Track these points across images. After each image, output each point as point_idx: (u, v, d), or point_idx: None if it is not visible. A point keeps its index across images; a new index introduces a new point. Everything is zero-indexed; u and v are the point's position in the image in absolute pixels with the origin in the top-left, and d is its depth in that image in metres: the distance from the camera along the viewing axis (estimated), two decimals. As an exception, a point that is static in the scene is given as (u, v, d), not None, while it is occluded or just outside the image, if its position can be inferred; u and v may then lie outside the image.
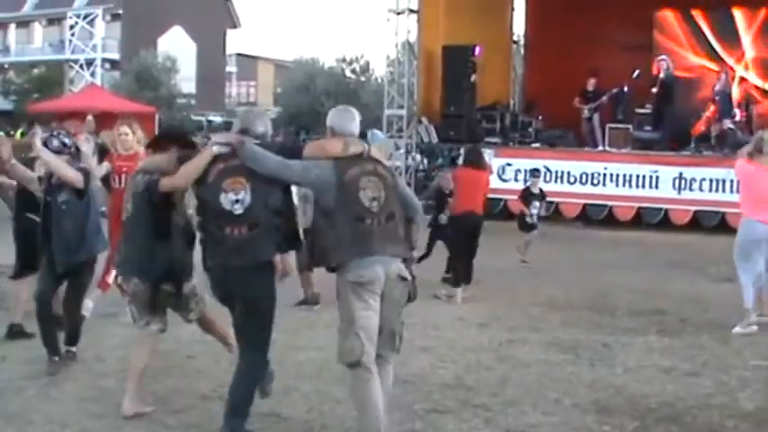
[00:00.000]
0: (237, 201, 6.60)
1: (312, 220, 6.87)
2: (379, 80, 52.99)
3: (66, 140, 8.80)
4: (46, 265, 8.84)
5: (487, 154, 21.72)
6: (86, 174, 8.79)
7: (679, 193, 22.45)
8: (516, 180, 23.21)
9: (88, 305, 10.18)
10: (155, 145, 7.88)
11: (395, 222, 6.72)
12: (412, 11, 27.38)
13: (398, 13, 27.53)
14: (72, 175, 8.61)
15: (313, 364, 9.09)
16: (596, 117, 25.53)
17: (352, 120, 7.02)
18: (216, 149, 6.78)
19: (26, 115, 39.75)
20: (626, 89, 25.01)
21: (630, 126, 24.76)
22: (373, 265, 6.51)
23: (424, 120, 27.20)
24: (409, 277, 6.74)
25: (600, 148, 24.59)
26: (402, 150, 27.32)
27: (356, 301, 6.52)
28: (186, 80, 67.08)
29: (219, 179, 6.67)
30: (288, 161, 6.68)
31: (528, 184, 15.22)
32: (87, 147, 10.24)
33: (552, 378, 9.03)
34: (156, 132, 8.45)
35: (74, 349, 9.08)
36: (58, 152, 8.59)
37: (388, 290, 6.61)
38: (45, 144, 8.56)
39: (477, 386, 8.69)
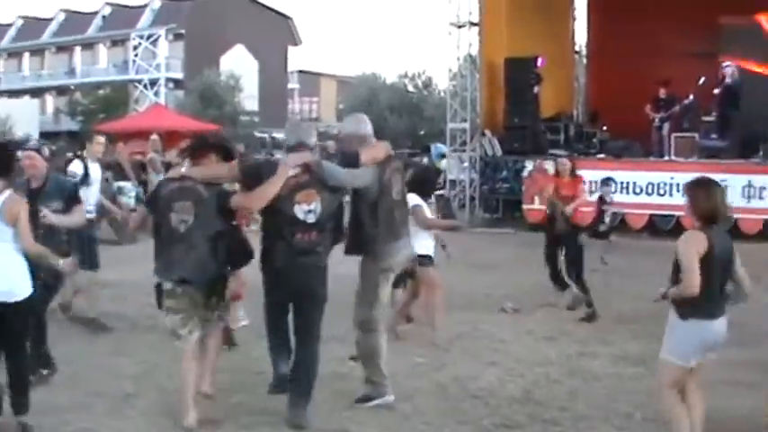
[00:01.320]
0: (310, 211, 7.59)
1: (354, 215, 8.12)
2: (442, 94, 52.91)
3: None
4: None
5: (551, 166, 21.64)
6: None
7: (749, 201, 22.11)
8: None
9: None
10: (193, 154, 8.06)
11: (405, 210, 8.55)
12: (473, 24, 27.30)
13: (460, 27, 27.45)
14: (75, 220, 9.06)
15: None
16: (666, 126, 25.23)
17: (368, 126, 8.48)
18: (291, 172, 7.56)
19: (92, 135, 40.18)
20: (691, 97, 24.70)
21: (696, 134, 24.41)
22: (400, 251, 8.27)
23: (488, 132, 27.01)
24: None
25: (666, 157, 24.29)
26: (466, 163, 27.22)
27: (384, 282, 8.20)
28: (249, 98, 67.60)
29: (293, 192, 7.56)
30: (352, 171, 7.85)
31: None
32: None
33: (622, 392, 8.95)
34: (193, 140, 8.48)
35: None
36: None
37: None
38: (38, 150, 8.87)
39: (546, 400, 8.63)
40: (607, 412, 8.24)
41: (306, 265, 7.67)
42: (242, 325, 10.36)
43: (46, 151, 8.24)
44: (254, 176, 7.70)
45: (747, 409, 8.37)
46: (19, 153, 8.74)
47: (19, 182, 8.69)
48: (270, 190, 7.50)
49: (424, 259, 10.57)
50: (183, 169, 7.99)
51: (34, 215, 8.00)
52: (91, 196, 11.62)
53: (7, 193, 7.13)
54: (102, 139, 12.61)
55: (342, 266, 8.50)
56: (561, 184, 13.56)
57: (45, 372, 8.98)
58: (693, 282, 6.59)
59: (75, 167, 11.80)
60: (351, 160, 7.96)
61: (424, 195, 10.90)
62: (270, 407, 8.03)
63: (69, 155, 14.49)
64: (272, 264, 7.68)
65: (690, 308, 6.74)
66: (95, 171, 12.01)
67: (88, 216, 10.64)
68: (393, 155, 8.36)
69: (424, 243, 10.52)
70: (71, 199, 9.10)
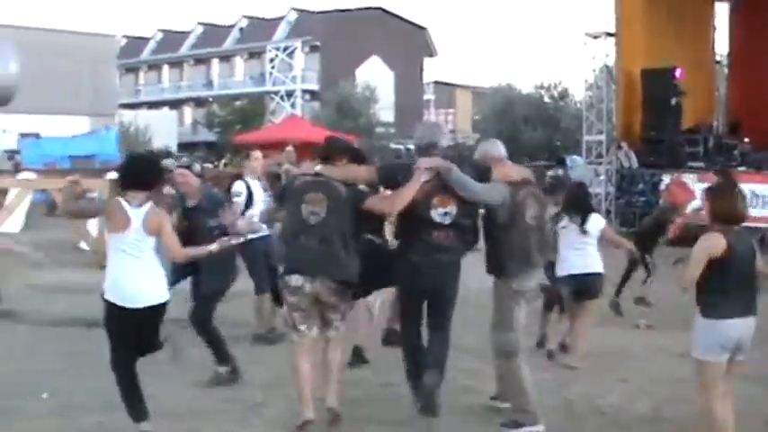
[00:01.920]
0: (446, 213, 7.75)
1: (487, 235, 8.12)
2: (578, 105, 52.42)
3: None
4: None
5: (690, 179, 21.22)
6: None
7: None
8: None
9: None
10: (326, 157, 8.11)
11: (542, 236, 8.29)
12: (609, 34, 26.99)
13: (595, 37, 27.20)
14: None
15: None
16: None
17: (502, 149, 8.47)
18: (425, 177, 7.67)
19: (229, 146, 40.95)
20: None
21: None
22: (532, 277, 8.20)
23: (624, 145, 26.66)
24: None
25: (813, 170, 23.52)
26: (602, 176, 26.91)
27: (515, 306, 8.07)
28: (385, 109, 67.93)
29: (429, 197, 7.72)
30: (486, 186, 7.90)
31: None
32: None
33: (755, 412, 8.68)
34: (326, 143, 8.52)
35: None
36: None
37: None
38: (189, 167, 8.92)
39: (676, 419, 8.46)
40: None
41: (441, 262, 7.83)
42: None
43: (197, 167, 8.44)
44: (390, 180, 7.88)
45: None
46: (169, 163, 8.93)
47: (175, 197, 9.49)
48: (406, 194, 7.62)
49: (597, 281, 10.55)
50: (318, 167, 8.04)
51: (194, 233, 8.67)
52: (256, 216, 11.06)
53: (148, 205, 7.34)
54: (258, 154, 12.15)
55: (472, 280, 8.51)
56: None
57: (223, 370, 9.36)
58: (687, 277, 6.90)
59: (239, 187, 11.41)
60: (482, 172, 8.01)
61: (584, 213, 10.66)
62: (399, 419, 8.06)
63: (229, 170, 14.52)
64: (409, 260, 7.83)
65: (707, 306, 6.96)
66: (257, 190, 11.53)
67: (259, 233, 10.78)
68: (530, 180, 8.30)
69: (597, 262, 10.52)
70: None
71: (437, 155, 7.88)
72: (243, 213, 9.91)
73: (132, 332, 7.38)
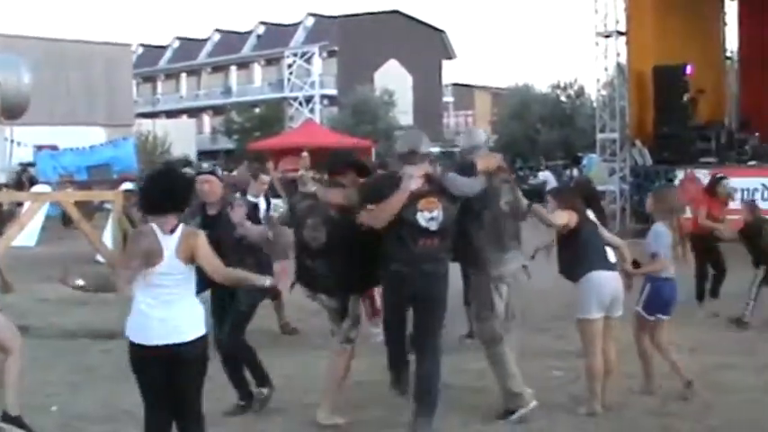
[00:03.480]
0: (432, 218, 7.64)
1: (459, 223, 7.98)
2: (594, 104, 52.48)
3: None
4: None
5: (702, 174, 21.33)
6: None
7: None
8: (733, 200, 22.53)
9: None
10: (332, 170, 8.34)
11: (515, 221, 8.38)
12: (620, 33, 27.04)
13: (607, 36, 27.24)
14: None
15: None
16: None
17: (479, 137, 8.94)
18: (414, 186, 7.66)
19: (247, 153, 41.03)
20: None
21: None
22: (509, 262, 8.23)
23: (638, 142, 26.70)
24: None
25: (822, 163, 23.63)
26: (617, 174, 26.99)
27: (494, 293, 8.18)
28: (403, 113, 67.92)
29: (415, 200, 7.64)
30: (472, 181, 7.95)
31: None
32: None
33: (761, 404, 8.84)
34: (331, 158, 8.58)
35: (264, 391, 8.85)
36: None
37: (515, 278, 8.39)
38: (213, 173, 8.74)
39: (682, 413, 8.57)
40: (745, 427, 8.18)
41: (427, 272, 7.69)
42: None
43: (220, 171, 7.74)
44: (373, 197, 7.77)
45: None
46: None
47: (191, 209, 8.02)
48: (393, 206, 7.59)
49: None
50: (315, 188, 8.25)
51: (216, 245, 6.99)
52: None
53: (180, 229, 6.32)
54: (266, 178, 11.77)
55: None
56: (714, 204, 13.41)
57: (265, 391, 8.77)
58: None
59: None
60: (467, 170, 8.08)
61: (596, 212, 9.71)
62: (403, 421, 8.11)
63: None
64: (393, 270, 7.73)
65: None
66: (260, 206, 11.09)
67: None
68: (504, 167, 8.46)
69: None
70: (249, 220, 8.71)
71: (421, 161, 7.87)
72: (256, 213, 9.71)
73: (161, 380, 6.28)
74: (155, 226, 6.26)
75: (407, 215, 7.60)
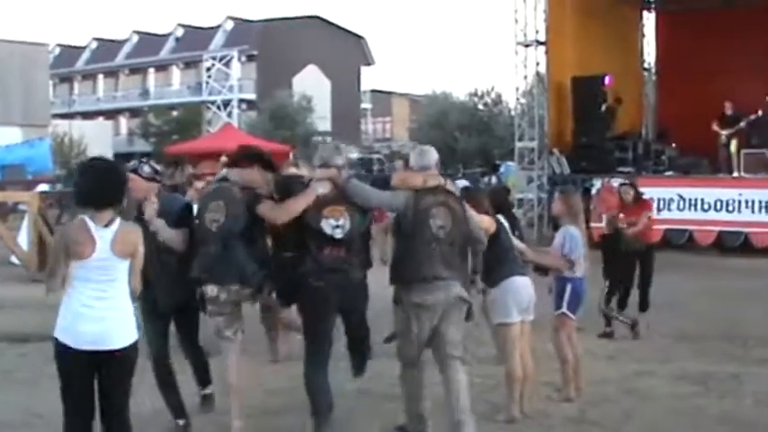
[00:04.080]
0: (338, 226, 7.47)
1: (395, 244, 7.83)
2: (512, 112, 52.84)
3: (157, 167, 8.54)
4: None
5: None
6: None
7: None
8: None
9: None
10: (237, 163, 8.07)
11: (457, 249, 7.67)
12: (540, 42, 27.28)
13: (526, 46, 27.48)
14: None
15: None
16: (734, 143, 24.90)
17: (429, 158, 7.96)
18: (320, 192, 7.53)
19: (164, 157, 40.62)
20: (760, 113, 24.40)
21: (766, 151, 24.07)
22: (436, 290, 7.49)
23: (556, 151, 26.95)
24: (469, 299, 7.75)
25: (735, 174, 24.03)
26: (535, 182, 27.18)
27: (414, 320, 7.53)
28: (322, 118, 67.88)
29: (321, 207, 7.47)
30: (380, 192, 7.72)
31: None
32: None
33: (679, 411, 8.90)
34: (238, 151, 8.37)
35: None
36: (150, 179, 8.11)
37: (448, 309, 7.56)
38: (135, 170, 8.31)
39: (602, 421, 8.60)
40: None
41: (335, 282, 7.48)
42: None
43: (145, 169, 7.47)
44: (284, 192, 7.75)
45: None
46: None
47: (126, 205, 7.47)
48: (297, 205, 7.47)
49: None
50: (224, 171, 8.12)
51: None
52: None
53: (117, 222, 6.12)
54: (200, 185, 11.72)
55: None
56: (626, 209, 13.48)
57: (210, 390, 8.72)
58: None
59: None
60: (379, 183, 8.02)
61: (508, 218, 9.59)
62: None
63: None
64: (306, 283, 7.53)
65: None
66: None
67: None
68: (443, 187, 7.73)
69: None
70: (180, 220, 8.07)
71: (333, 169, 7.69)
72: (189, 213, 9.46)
73: (90, 385, 6.07)
74: (87, 218, 6.05)
75: (312, 222, 7.45)
